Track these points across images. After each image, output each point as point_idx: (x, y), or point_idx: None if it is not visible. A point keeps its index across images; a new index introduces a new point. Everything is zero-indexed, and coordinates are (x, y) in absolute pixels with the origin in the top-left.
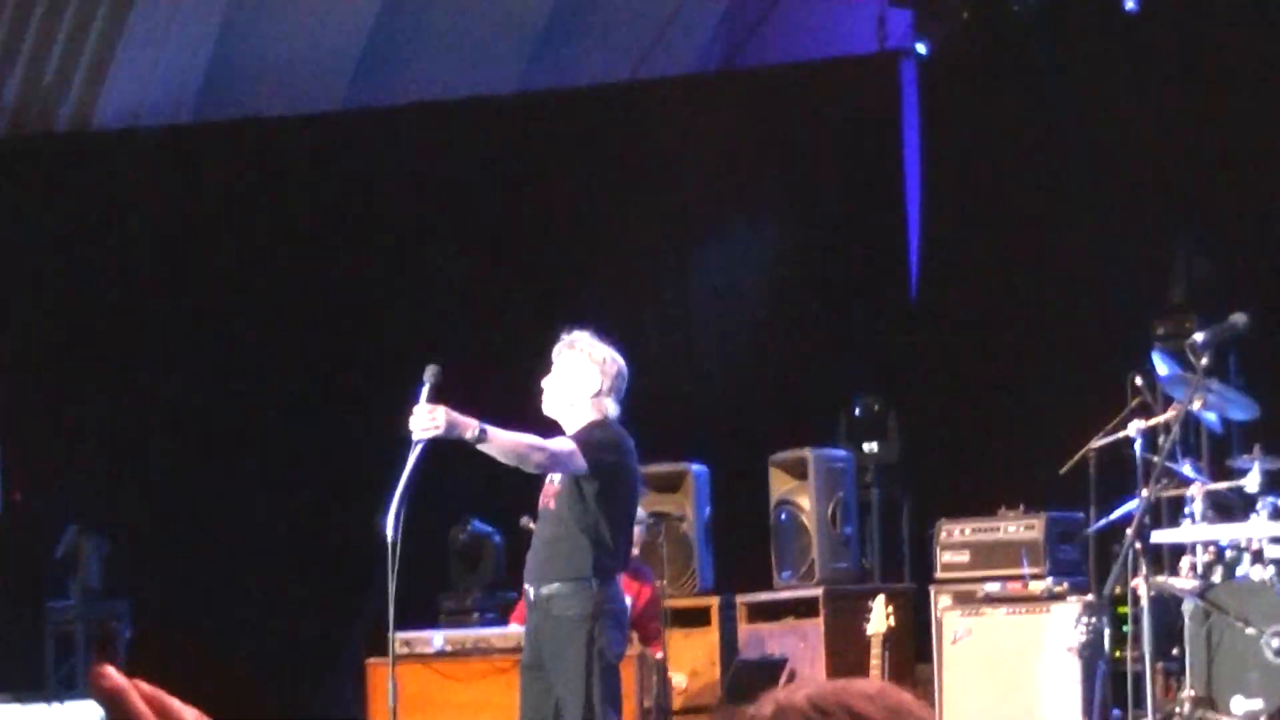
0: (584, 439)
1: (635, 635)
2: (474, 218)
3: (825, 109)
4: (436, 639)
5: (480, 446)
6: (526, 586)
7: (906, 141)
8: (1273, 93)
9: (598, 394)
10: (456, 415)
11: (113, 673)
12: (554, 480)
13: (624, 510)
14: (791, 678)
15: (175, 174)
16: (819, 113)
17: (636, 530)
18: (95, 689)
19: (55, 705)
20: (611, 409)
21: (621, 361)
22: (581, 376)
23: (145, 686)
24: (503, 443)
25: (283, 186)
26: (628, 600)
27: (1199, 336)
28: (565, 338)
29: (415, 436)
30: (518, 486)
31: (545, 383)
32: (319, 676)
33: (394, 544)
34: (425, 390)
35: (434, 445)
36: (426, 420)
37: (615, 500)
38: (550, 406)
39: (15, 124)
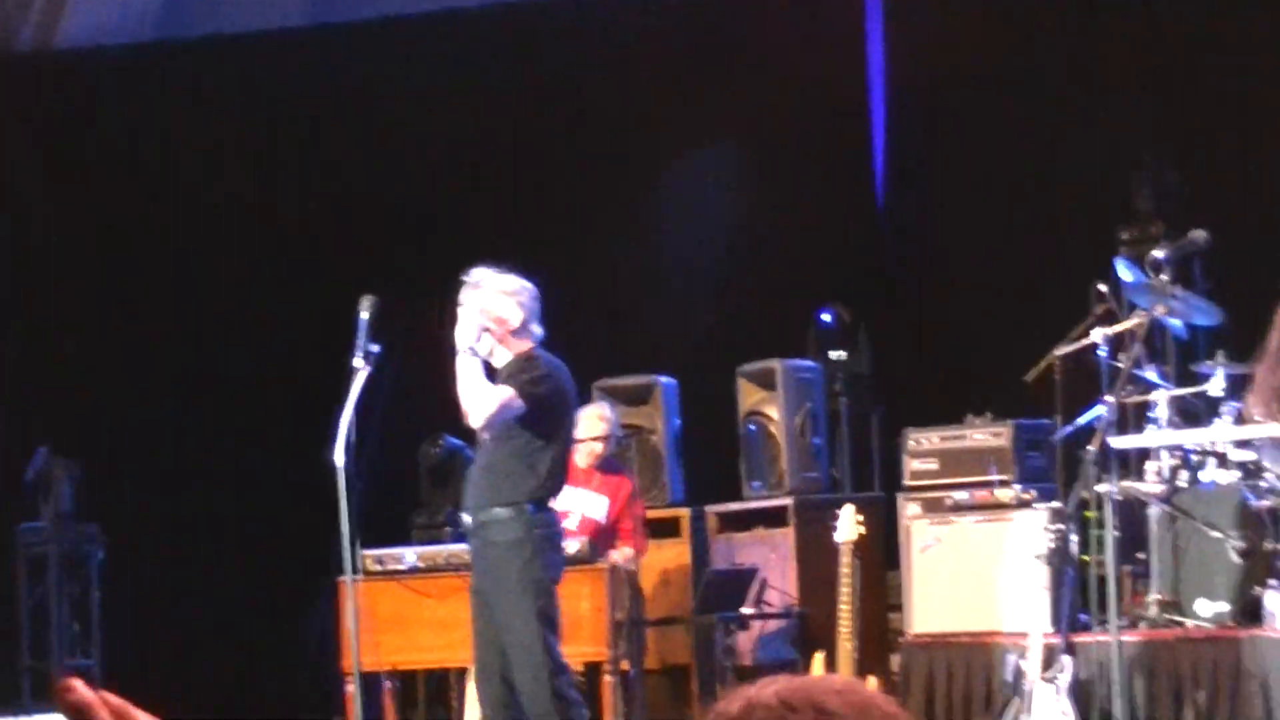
0: (515, 379)
1: (615, 545)
2: (441, 136)
3: (789, 27)
4: (409, 555)
5: (461, 361)
6: (464, 514)
7: (870, 56)
8: (1237, 9)
9: (522, 325)
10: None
11: (80, 685)
12: None
13: (558, 437)
14: (762, 587)
15: (138, 92)
16: (783, 32)
17: (601, 444)
18: (62, 702)
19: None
20: (536, 332)
21: (530, 286)
22: (500, 313)
23: (112, 699)
24: (473, 379)
25: (243, 104)
26: (605, 501)
27: (1159, 253)
28: (467, 279)
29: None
30: None
31: (458, 332)
32: (291, 594)
33: (344, 469)
34: (362, 322)
35: (393, 369)
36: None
37: (548, 428)
38: (471, 346)
39: None
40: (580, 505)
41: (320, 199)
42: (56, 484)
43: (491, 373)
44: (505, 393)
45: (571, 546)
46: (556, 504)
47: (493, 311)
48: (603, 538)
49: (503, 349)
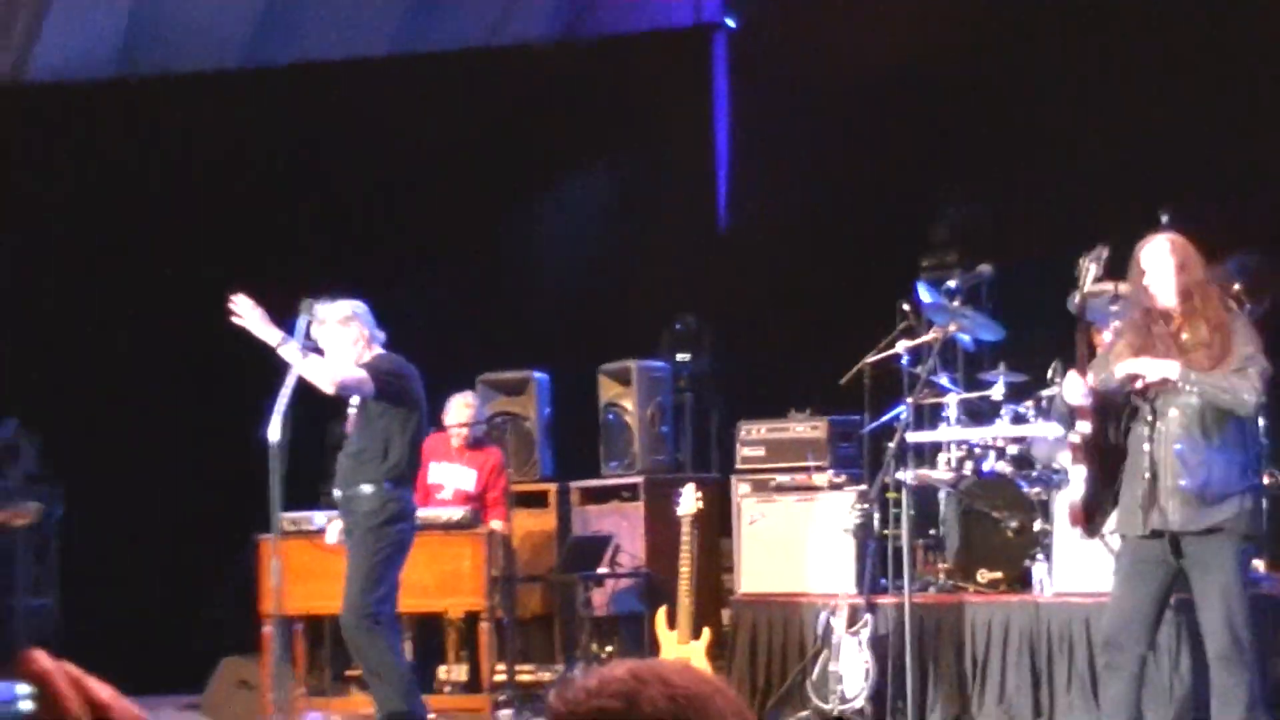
0: (371, 367)
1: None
2: (354, 167)
3: (650, 71)
4: (318, 518)
5: (282, 354)
6: (335, 491)
7: (717, 98)
8: (1039, 64)
9: (361, 340)
10: (267, 322)
11: (42, 655)
12: (351, 405)
13: (410, 424)
14: (616, 550)
15: (97, 125)
16: (645, 74)
17: (467, 427)
18: (24, 671)
19: None
20: (379, 337)
21: (358, 305)
22: (344, 338)
23: (71, 668)
24: (302, 361)
25: (189, 138)
26: (474, 474)
27: (952, 283)
28: (311, 317)
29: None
30: None
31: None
32: (221, 548)
33: (279, 444)
34: (301, 322)
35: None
36: (244, 308)
37: (401, 417)
38: (336, 371)
39: None
40: (453, 479)
41: (258, 210)
42: (24, 451)
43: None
44: (360, 371)
45: (456, 514)
46: (431, 478)
47: (338, 339)
48: (473, 505)
49: (367, 355)
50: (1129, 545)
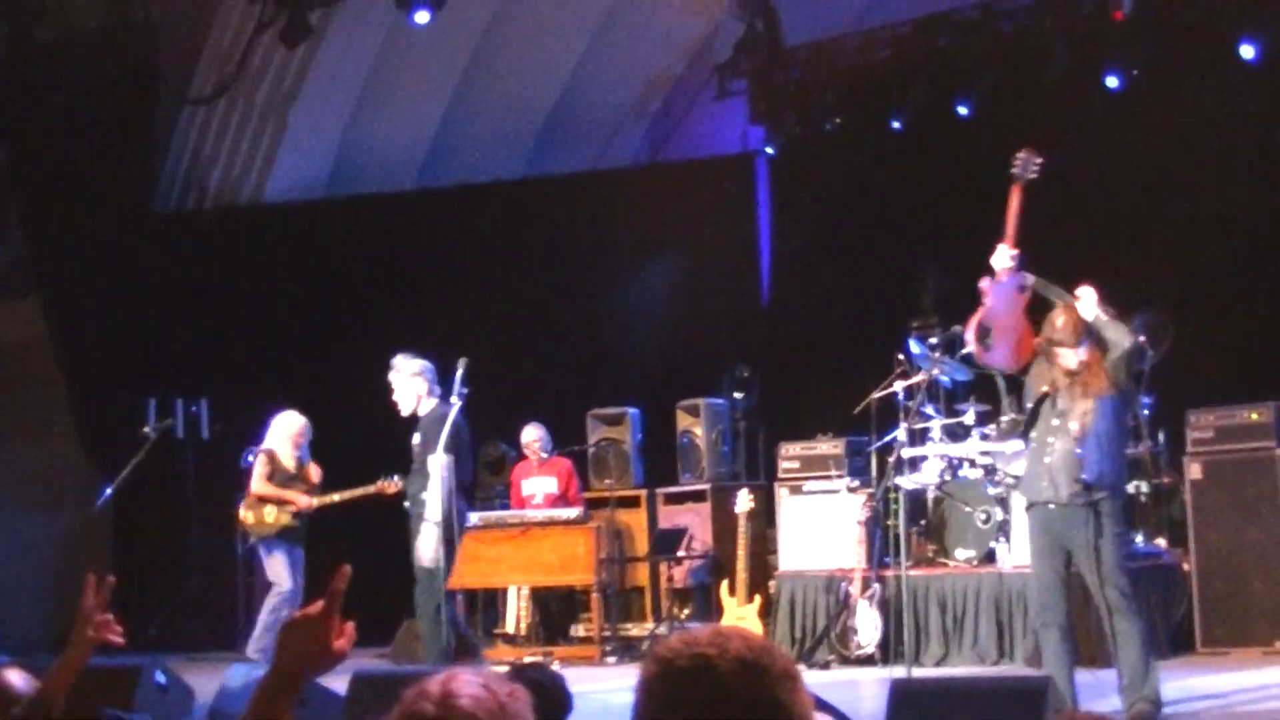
0: (432, 432)
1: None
2: (498, 259)
3: (710, 186)
4: (472, 516)
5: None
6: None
7: (760, 207)
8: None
9: (426, 393)
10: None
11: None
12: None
13: (466, 454)
14: (690, 539)
15: (313, 236)
16: (707, 188)
17: (539, 446)
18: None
19: None
20: (436, 394)
21: (426, 363)
22: (410, 387)
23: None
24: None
25: (379, 242)
26: (554, 480)
27: (934, 340)
28: (391, 364)
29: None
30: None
31: (395, 396)
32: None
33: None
34: (459, 374)
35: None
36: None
37: (459, 453)
38: (405, 409)
39: (217, 199)
40: (541, 487)
41: (431, 293)
42: None
43: (415, 418)
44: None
45: (573, 513)
46: (524, 491)
47: (405, 386)
48: (562, 502)
49: (420, 408)
50: (1034, 519)
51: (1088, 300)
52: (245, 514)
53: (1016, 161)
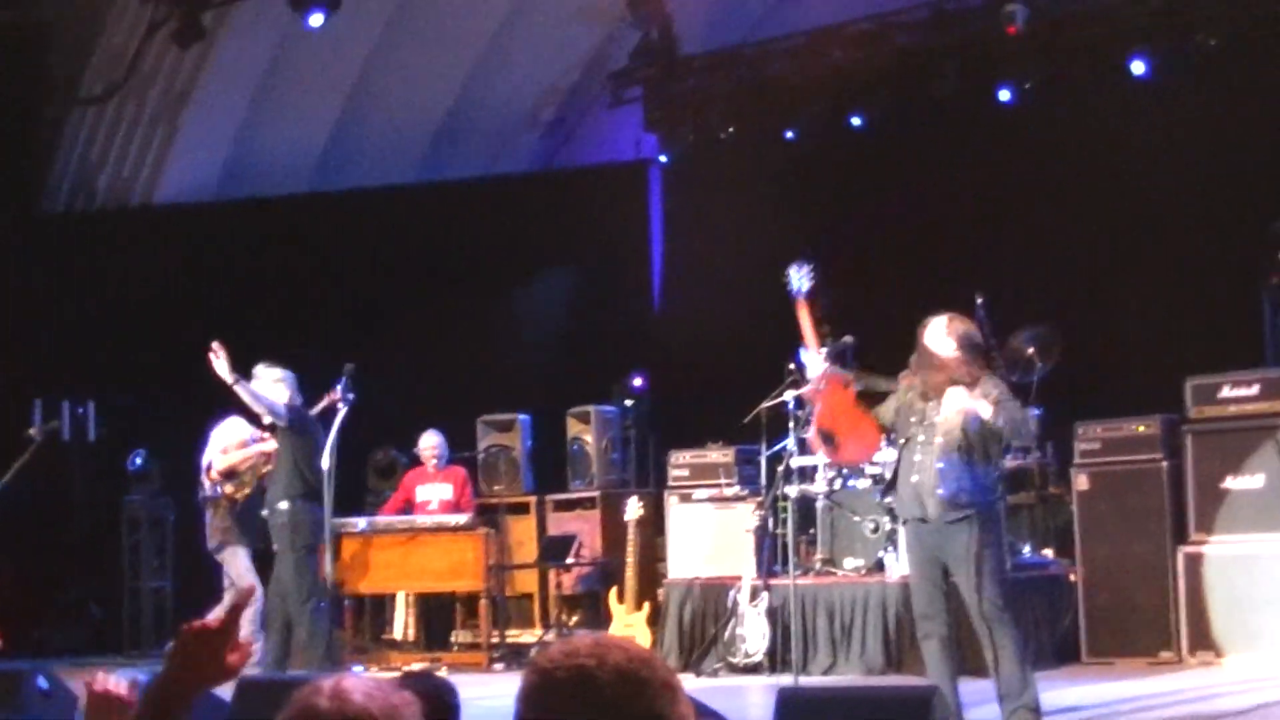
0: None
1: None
2: (389, 264)
3: (604, 193)
4: (360, 522)
5: (235, 388)
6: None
7: (653, 214)
8: (884, 194)
9: (290, 397)
10: (228, 368)
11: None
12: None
13: (314, 457)
14: (579, 546)
15: (204, 238)
16: (600, 195)
17: (435, 455)
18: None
19: None
20: (299, 401)
21: (288, 372)
22: (273, 395)
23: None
24: (250, 394)
25: (270, 246)
26: (450, 486)
27: (824, 349)
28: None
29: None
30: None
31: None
32: None
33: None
34: (344, 380)
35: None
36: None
37: (307, 450)
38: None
39: (107, 200)
40: (437, 494)
41: (318, 297)
42: (152, 474)
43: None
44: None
45: (463, 519)
46: (419, 497)
47: (271, 388)
48: (456, 509)
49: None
50: (910, 533)
51: (984, 406)
52: (222, 487)
53: (787, 278)
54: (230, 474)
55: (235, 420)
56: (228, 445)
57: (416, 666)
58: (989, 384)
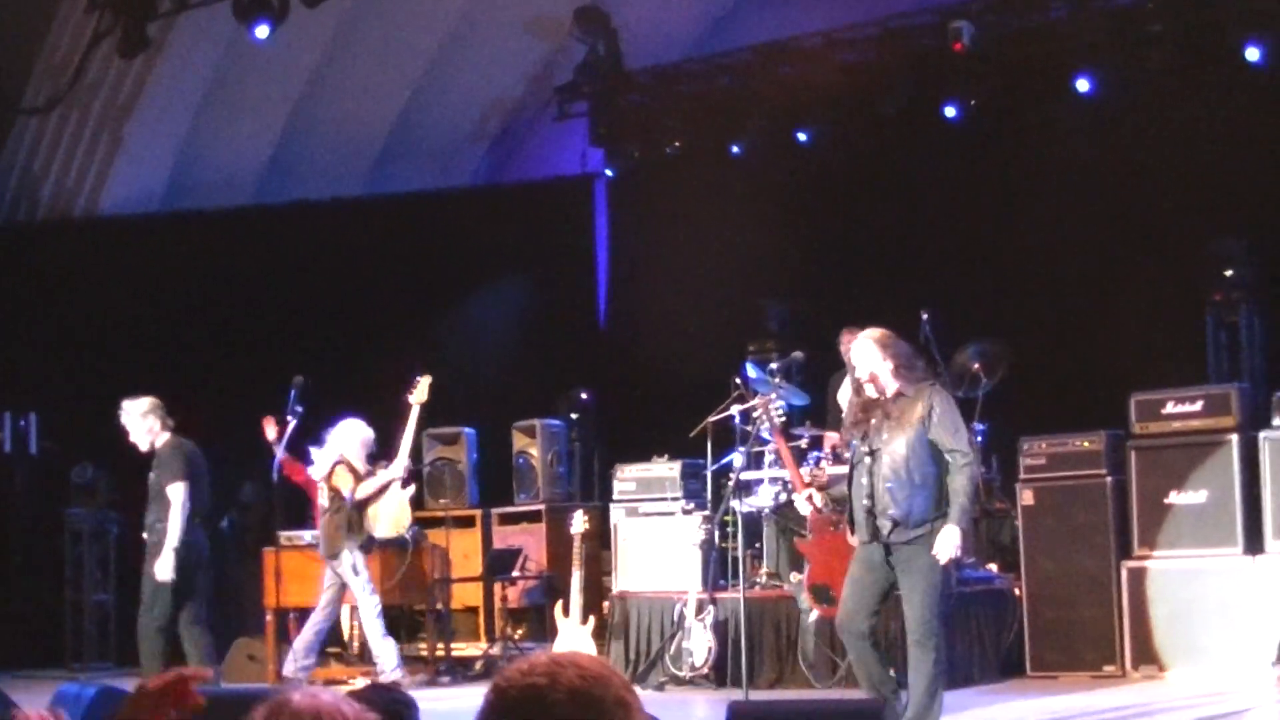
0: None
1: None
2: (336, 277)
3: (550, 207)
4: (308, 535)
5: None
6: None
7: (598, 228)
8: (826, 191)
9: (160, 428)
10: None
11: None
12: None
13: (202, 481)
14: (525, 559)
15: (148, 250)
16: (546, 210)
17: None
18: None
19: None
20: (170, 426)
21: (153, 400)
22: (142, 426)
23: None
24: None
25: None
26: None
27: (774, 365)
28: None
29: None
30: None
31: (132, 437)
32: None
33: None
34: (294, 392)
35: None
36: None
37: (194, 480)
38: (143, 446)
39: (49, 212)
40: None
41: (269, 309)
42: (100, 488)
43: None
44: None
45: (409, 533)
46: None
47: (139, 426)
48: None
49: (160, 436)
50: (858, 554)
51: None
52: (337, 528)
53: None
54: (361, 505)
55: (356, 424)
56: (351, 456)
57: (360, 682)
58: (932, 395)
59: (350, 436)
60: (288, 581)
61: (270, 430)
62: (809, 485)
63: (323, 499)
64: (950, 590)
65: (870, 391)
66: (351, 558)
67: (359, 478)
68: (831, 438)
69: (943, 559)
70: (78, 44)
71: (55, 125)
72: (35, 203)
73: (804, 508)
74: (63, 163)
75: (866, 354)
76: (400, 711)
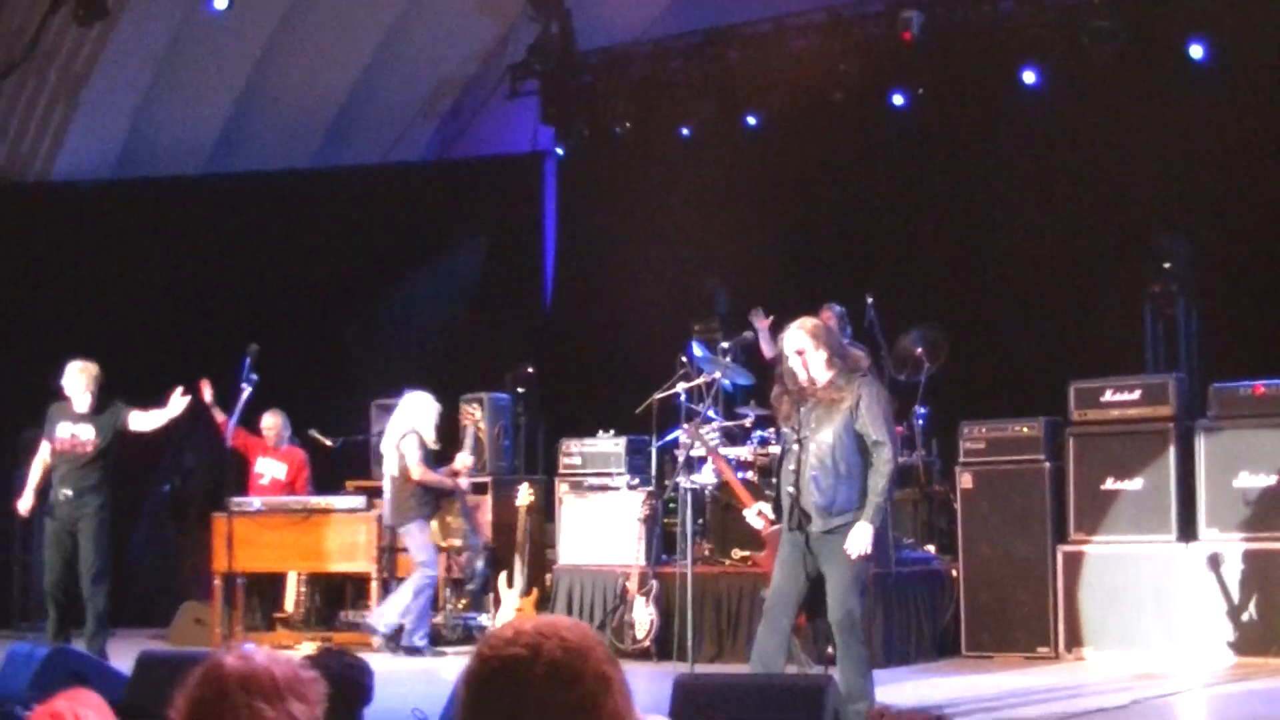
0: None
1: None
2: (287, 248)
3: (498, 185)
4: (255, 501)
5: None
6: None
7: (547, 207)
8: (772, 174)
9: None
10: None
11: None
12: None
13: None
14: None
15: (101, 217)
16: (495, 187)
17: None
18: None
19: None
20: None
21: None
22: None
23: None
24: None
25: (169, 225)
26: (285, 469)
27: (725, 344)
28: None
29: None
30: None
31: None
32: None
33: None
34: (247, 360)
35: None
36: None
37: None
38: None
39: (3, 175)
40: (271, 470)
41: (224, 279)
42: None
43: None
44: None
45: (356, 502)
46: (257, 467)
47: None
48: (289, 490)
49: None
50: (784, 538)
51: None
52: (407, 498)
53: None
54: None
55: (427, 398)
56: (424, 429)
57: (308, 646)
58: (861, 387)
59: (424, 410)
60: (237, 547)
61: (206, 392)
62: (756, 500)
63: (392, 468)
64: (889, 570)
65: (802, 375)
66: (416, 529)
67: (427, 454)
68: None
69: (853, 555)
70: (35, 11)
71: (11, 91)
72: None
73: (756, 523)
74: (18, 128)
75: (798, 343)
76: (355, 677)
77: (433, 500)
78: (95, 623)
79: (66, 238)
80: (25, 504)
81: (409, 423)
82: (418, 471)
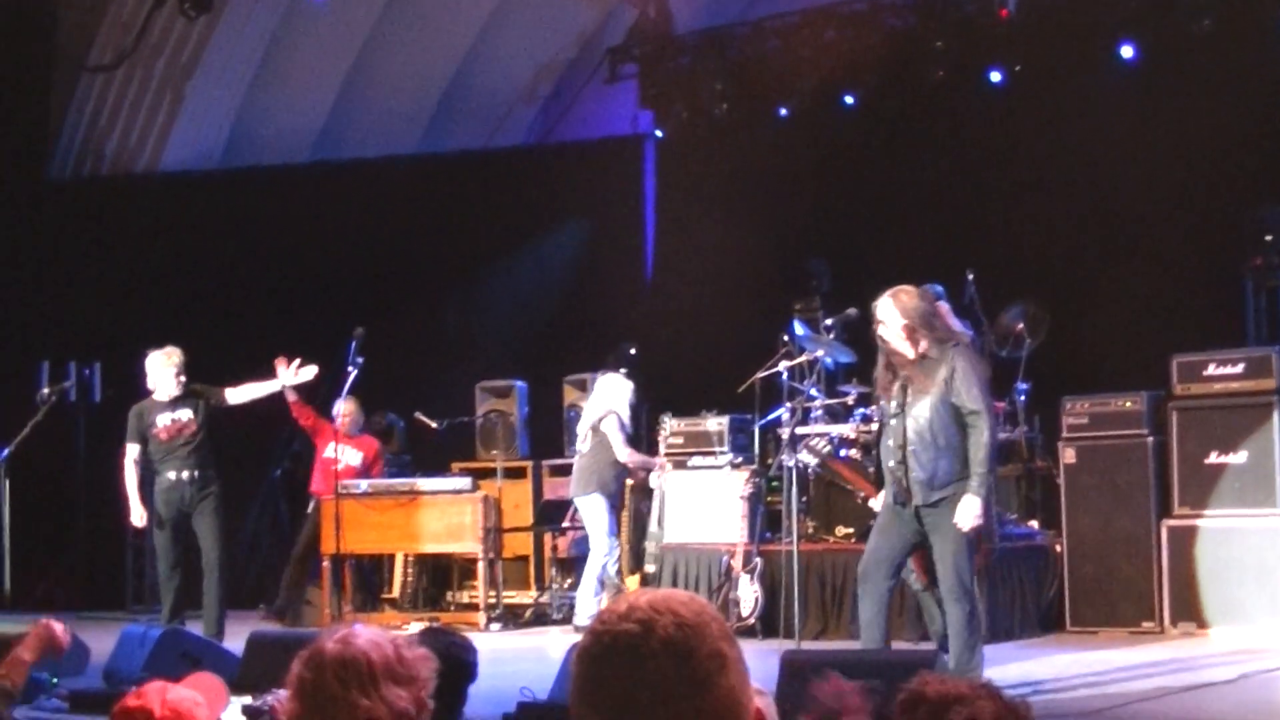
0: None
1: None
2: (392, 232)
3: (600, 167)
4: (363, 484)
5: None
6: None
7: (647, 187)
8: (876, 180)
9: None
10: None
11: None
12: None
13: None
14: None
15: (203, 207)
16: (597, 169)
17: (347, 420)
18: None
19: None
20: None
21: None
22: (169, 374)
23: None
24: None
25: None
26: (360, 456)
27: (829, 321)
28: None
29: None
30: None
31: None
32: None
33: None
34: (353, 344)
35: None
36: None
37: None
38: (166, 394)
39: (113, 167)
40: (346, 457)
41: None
42: None
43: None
44: None
45: (463, 483)
46: (328, 453)
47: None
48: (364, 476)
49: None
50: (885, 506)
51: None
52: (593, 472)
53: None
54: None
55: (624, 381)
56: (622, 411)
57: (416, 626)
58: (955, 358)
59: (620, 392)
60: (345, 529)
61: (281, 369)
62: (878, 490)
63: (584, 445)
64: (993, 545)
65: (904, 351)
66: (600, 502)
67: (630, 435)
68: None
69: (964, 529)
70: (142, 4)
71: (120, 83)
72: (100, 158)
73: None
74: (126, 120)
75: (878, 313)
76: (459, 655)
77: (623, 482)
78: (217, 606)
79: (175, 228)
80: (136, 514)
81: (606, 404)
82: (624, 454)
